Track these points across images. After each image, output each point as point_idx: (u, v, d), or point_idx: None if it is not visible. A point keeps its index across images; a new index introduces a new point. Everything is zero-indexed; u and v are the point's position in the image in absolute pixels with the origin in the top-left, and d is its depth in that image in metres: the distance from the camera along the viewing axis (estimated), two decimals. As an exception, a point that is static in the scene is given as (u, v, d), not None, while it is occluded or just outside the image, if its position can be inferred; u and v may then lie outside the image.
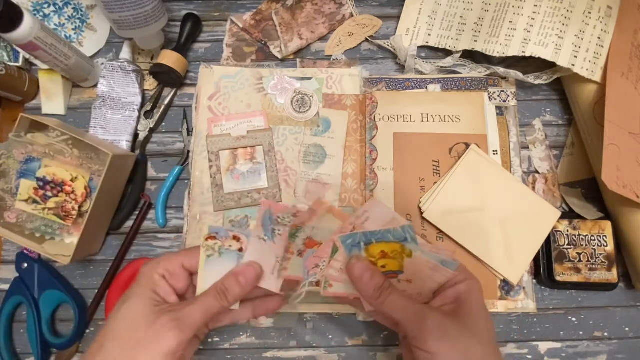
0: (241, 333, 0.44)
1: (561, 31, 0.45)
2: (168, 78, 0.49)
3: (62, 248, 0.43)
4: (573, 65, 0.44)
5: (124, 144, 0.48)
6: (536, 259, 0.44)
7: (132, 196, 0.47)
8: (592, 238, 0.43)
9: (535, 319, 0.44)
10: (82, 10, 0.51)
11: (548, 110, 0.49)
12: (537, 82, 0.47)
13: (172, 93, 0.50)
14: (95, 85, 0.50)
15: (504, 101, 0.48)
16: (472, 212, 0.44)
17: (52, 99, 0.49)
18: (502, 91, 0.48)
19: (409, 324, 0.31)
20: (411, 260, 0.35)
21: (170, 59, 0.47)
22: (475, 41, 0.48)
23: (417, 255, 0.35)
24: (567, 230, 0.44)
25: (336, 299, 0.38)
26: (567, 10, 0.45)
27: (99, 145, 0.42)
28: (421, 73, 0.49)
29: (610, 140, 0.40)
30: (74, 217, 0.43)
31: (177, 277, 0.33)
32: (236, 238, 0.34)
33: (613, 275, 0.43)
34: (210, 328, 0.34)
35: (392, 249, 0.34)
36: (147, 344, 0.29)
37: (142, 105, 0.49)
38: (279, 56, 0.50)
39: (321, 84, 0.48)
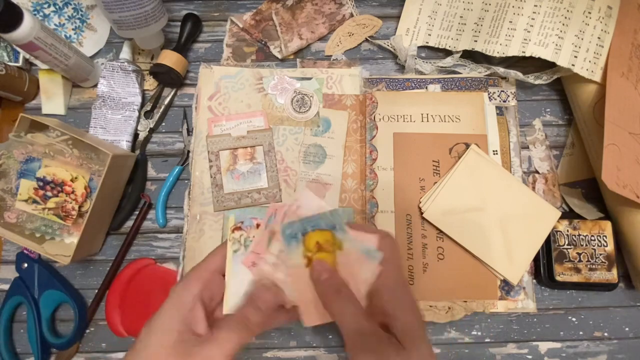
0: (241, 333, 0.44)
1: (561, 31, 0.45)
2: (168, 78, 0.49)
3: (62, 248, 0.43)
4: (573, 65, 0.44)
5: (124, 144, 0.48)
6: (536, 259, 0.44)
7: (132, 196, 0.47)
8: (592, 238, 0.43)
9: (535, 319, 0.44)
10: (82, 10, 0.51)
11: (548, 110, 0.49)
12: (537, 82, 0.47)
13: (172, 93, 0.50)
14: (95, 85, 0.50)
15: (504, 101, 0.48)
16: (472, 212, 0.44)
17: (52, 99, 0.49)
18: (502, 91, 0.48)
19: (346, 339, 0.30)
20: (342, 253, 0.34)
21: (170, 59, 0.47)
22: (475, 41, 0.48)
23: (346, 248, 0.34)
24: (567, 230, 0.44)
25: None
26: (567, 10, 0.45)
27: (99, 145, 0.42)
28: (421, 73, 0.49)
29: (610, 140, 0.40)
30: (74, 217, 0.43)
31: (213, 284, 0.32)
32: (258, 226, 0.33)
33: (613, 275, 0.43)
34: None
35: (325, 238, 0.33)
36: None
37: (142, 105, 0.49)
38: (279, 56, 0.50)
39: (321, 84, 0.48)
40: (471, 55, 0.49)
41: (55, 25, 0.50)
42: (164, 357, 0.29)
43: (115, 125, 0.48)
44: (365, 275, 0.33)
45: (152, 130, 0.49)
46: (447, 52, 0.50)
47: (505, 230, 0.43)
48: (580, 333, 0.44)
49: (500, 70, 0.47)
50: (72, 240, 0.44)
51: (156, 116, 0.49)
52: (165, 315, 0.30)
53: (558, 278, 0.42)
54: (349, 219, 0.44)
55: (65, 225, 0.43)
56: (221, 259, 0.32)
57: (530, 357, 0.44)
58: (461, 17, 0.49)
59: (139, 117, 0.49)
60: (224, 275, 0.32)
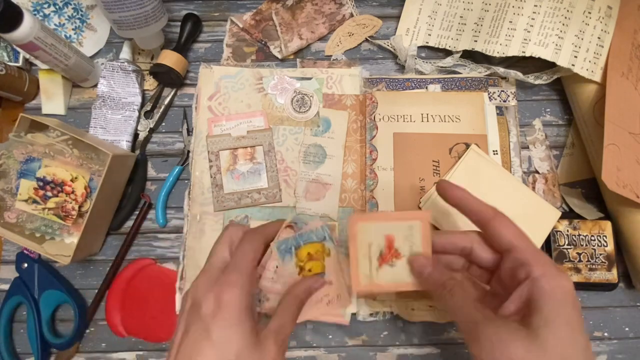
0: (241, 333, 0.44)
1: (561, 31, 0.45)
2: (168, 78, 0.49)
3: (62, 248, 0.43)
4: (573, 65, 0.44)
5: (124, 144, 0.48)
6: (536, 259, 0.44)
7: (132, 196, 0.47)
8: (592, 238, 0.43)
9: (535, 319, 0.44)
10: (82, 10, 0.51)
11: (548, 110, 0.49)
12: (537, 82, 0.47)
13: (172, 93, 0.50)
14: (95, 85, 0.50)
15: (504, 101, 0.48)
16: (472, 212, 0.44)
17: (52, 99, 0.49)
18: (502, 91, 0.48)
19: None
20: (330, 260, 0.39)
21: (170, 59, 0.47)
22: (475, 41, 0.48)
23: (333, 254, 0.39)
24: (567, 230, 0.44)
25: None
26: (567, 10, 0.45)
27: (99, 145, 0.42)
28: (421, 73, 0.49)
29: (610, 140, 0.40)
30: (74, 217, 0.43)
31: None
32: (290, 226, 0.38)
33: (613, 275, 0.43)
34: None
35: (316, 249, 0.38)
36: None
37: (142, 105, 0.49)
38: (279, 56, 0.50)
39: (321, 84, 0.48)
40: (471, 55, 0.49)
41: (55, 25, 0.50)
42: (250, 331, 0.29)
43: (115, 125, 0.48)
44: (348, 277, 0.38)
45: (152, 130, 0.49)
46: (447, 52, 0.50)
47: (505, 230, 0.43)
48: (580, 333, 0.44)
49: (500, 70, 0.47)
50: (72, 240, 0.44)
51: (156, 116, 0.49)
52: (239, 284, 0.30)
53: (558, 278, 0.42)
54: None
55: (65, 225, 0.43)
56: (272, 232, 0.35)
57: (530, 357, 0.44)
58: (461, 17, 0.49)
59: (139, 117, 0.49)
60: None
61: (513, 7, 0.46)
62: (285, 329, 0.32)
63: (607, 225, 0.43)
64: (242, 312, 0.29)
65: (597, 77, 0.44)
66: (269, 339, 0.30)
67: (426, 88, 0.48)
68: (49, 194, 0.43)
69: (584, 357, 0.25)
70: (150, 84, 0.50)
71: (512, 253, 0.29)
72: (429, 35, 0.51)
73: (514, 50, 0.45)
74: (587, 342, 0.26)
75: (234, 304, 0.29)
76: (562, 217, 0.44)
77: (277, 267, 0.39)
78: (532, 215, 0.44)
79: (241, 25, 0.51)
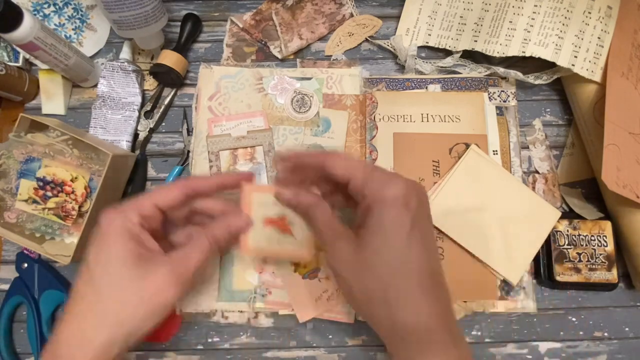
0: (241, 333, 0.44)
1: (561, 31, 0.45)
2: (168, 78, 0.49)
3: (62, 248, 0.43)
4: (573, 65, 0.44)
5: (124, 144, 0.48)
6: (536, 259, 0.44)
7: (132, 196, 0.47)
8: (592, 238, 0.43)
9: (535, 319, 0.44)
10: (82, 10, 0.51)
11: (548, 110, 0.49)
12: (537, 82, 0.47)
13: (172, 93, 0.50)
14: (95, 85, 0.50)
15: (504, 101, 0.48)
16: (472, 212, 0.44)
17: (52, 99, 0.49)
18: (502, 91, 0.48)
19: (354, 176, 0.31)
20: (323, 254, 0.38)
21: (170, 59, 0.47)
22: (475, 41, 0.48)
23: None
24: (567, 230, 0.44)
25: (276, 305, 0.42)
26: (567, 10, 0.45)
27: (99, 145, 0.42)
28: (421, 73, 0.49)
29: (610, 140, 0.40)
30: (74, 217, 0.43)
31: (152, 219, 0.33)
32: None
33: (613, 275, 0.43)
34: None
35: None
36: (147, 299, 0.30)
37: (142, 105, 0.49)
38: (279, 56, 0.50)
39: (321, 84, 0.48)
40: (471, 55, 0.49)
41: (55, 25, 0.50)
42: (138, 266, 0.30)
43: (115, 125, 0.48)
44: None
45: (152, 130, 0.49)
46: (447, 52, 0.50)
47: (505, 230, 0.43)
48: (580, 333, 0.44)
49: (500, 70, 0.47)
50: (72, 240, 0.44)
51: (156, 116, 0.49)
52: (115, 238, 0.30)
53: (558, 278, 0.42)
54: (348, 219, 0.44)
55: (65, 225, 0.43)
56: (167, 196, 0.33)
57: (530, 357, 0.44)
58: (461, 17, 0.49)
59: (139, 117, 0.49)
60: (163, 213, 0.34)
61: (513, 7, 0.46)
62: (189, 262, 0.32)
63: (607, 225, 0.43)
64: (120, 234, 0.30)
65: (597, 77, 0.44)
66: (162, 265, 0.31)
67: (426, 88, 0.48)
68: (49, 194, 0.43)
69: (402, 254, 0.28)
70: (150, 84, 0.50)
71: (350, 184, 0.31)
72: (429, 35, 0.51)
73: (514, 50, 0.45)
74: (411, 239, 0.28)
75: (111, 226, 0.31)
76: (562, 217, 0.44)
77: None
78: (532, 215, 0.44)
79: (241, 25, 0.51)
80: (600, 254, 0.43)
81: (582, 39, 0.44)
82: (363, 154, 0.46)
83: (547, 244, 0.43)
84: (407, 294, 0.27)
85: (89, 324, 0.29)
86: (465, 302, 0.43)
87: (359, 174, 0.30)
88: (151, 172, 0.48)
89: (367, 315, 0.31)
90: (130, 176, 0.47)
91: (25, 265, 0.45)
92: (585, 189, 0.47)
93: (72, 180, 0.43)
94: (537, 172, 0.47)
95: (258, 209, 0.37)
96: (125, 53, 0.50)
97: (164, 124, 0.50)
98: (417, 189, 0.30)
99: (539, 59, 0.45)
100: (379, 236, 0.28)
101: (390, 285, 0.28)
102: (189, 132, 0.49)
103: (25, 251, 0.45)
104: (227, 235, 0.35)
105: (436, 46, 0.50)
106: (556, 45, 0.45)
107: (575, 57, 0.44)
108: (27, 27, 0.39)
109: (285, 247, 0.37)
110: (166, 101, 0.50)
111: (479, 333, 0.44)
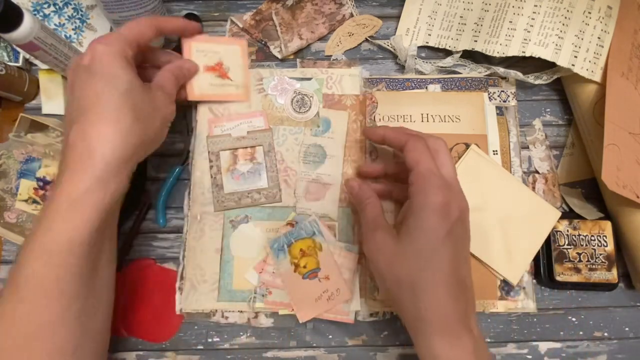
0: (241, 333, 0.44)
1: (561, 31, 0.45)
2: (168, 78, 0.49)
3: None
4: (573, 65, 0.44)
5: (124, 144, 0.48)
6: (536, 259, 0.44)
7: (132, 196, 0.47)
8: (592, 238, 0.43)
9: (535, 319, 0.44)
10: (82, 10, 0.51)
11: (548, 110, 0.49)
12: (537, 82, 0.47)
13: (172, 93, 0.50)
14: (95, 85, 0.49)
15: (504, 101, 0.48)
16: (472, 212, 0.43)
17: (52, 99, 0.49)
18: (502, 91, 0.48)
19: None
20: (323, 254, 0.42)
21: (170, 59, 0.47)
22: (475, 41, 0.48)
23: (325, 247, 0.42)
24: (567, 230, 0.44)
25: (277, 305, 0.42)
26: (567, 10, 0.45)
27: (99, 145, 0.42)
28: (421, 73, 0.49)
29: (610, 140, 0.40)
30: (74, 217, 0.43)
31: (135, 56, 0.35)
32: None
33: (613, 275, 0.43)
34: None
35: (307, 245, 0.42)
36: (160, 116, 0.35)
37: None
38: (279, 56, 0.50)
39: (321, 84, 0.48)
40: (471, 55, 0.49)
41: (55, 25, 0.50)
42: (138, 95, 0.33)
43: (115, 125, 0.48)
44: (349, 265, 0.42)
45: (152, 130, 0.49)
46: (447, 52, 0.50)
47: (505, 230, 0.43)
48: (580, 333, 0.44)
49: (500, 70, 0.47)
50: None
51: (156, 116, 0.49)
52: (114, 66, 0.32)
53: (558, 278, 0.43)
54: (348, 220, 0.44)
55: (65, 225, 0.43)
56: (168, 24, 0.38)
57: (530, 357, 0.44)
58: (461, 17, 0.49)
59: (139, 117, 0.49)
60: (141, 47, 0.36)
61: (513, 7, 0.46)
62: (170, 88, 0.37)
63: (607, 225, 0.43)
64: (121, 58, 0.32)
65: (597, 77, 0.44)
66: (156, 89, 0.35)
67: (426, 88, 0.48)
68: (49, 194, 0.43)
69: (433, 254, 0.31)
70: (150, 84, 0.50)
71: (411, 172, 0.34)
72: (429, 35, 0.51)
73: (514, 50, 0.46)
74: (444, 244, 0.31)
75: (110, 51, 0.32)
76: (562, 217, 0.44)
77: (275, 264, 0.42)
78: (532, 215, 0.44)
79: (241, 25, 0.51)
80: (600, 254, 0.43)
81: (582, 39, 0.44)
82: (363, 154, 0.46)
83: (547, 244, 0.44)
84: (433, 289, 0.30)
85: (103, 131, 0.30)
86: (465, 302, 0.43)
87: (422, 168, 0.33)
88: (151, 172, 0.48)
89: (394, 300, 0.34)
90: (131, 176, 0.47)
91: (25, 265, 0.45)
92: (585, 189, 0.47)
93: (72, 180, 0.43)
94: (537, 172, 0.47)
95: (197, 57, 0.42)
96: (125, 53, 0.50)
97: (164, 124, 0.50)
98: (459, 201, 0.33)
99: (539, 59, 0.45)
100: (415, 235, 0.31)
101: (419, 277, 0.31)
102: (189, 132, 0.49)
103: (25, 251, 0.45)
104: (180, 74, 0.40)
105: (436, 46, 0.50)
106: (556, 45, 0.45)
107: (575, 57, 0.44)
108: (27, 27, 0.39)
109: (226, 89, 0.44)
110: (166, 101, 0.49)
111: (479, 333, 0.44)
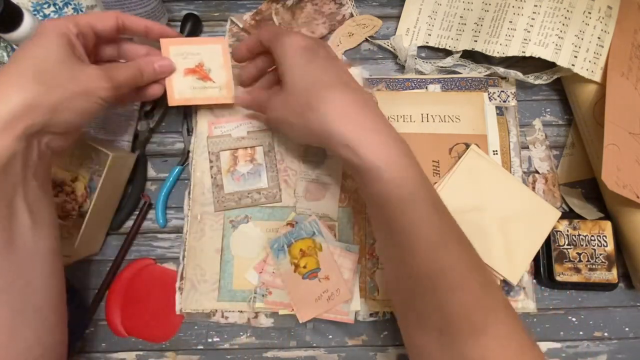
0: (241, 333, 0.44)
1: (561, 31, 0.45)
2: (168, 78, 0.49)
3: (62, 248, 0.43)
4: (573, 65, 0.44)
5: (124, 144, 0.48)
6: (536, 259, 0.44)
7: (132, 196, 0.47)
8: (592, 238, 0.43)
9: (535, 319, 0.44)
10: (82, 11, 0.51)
11: (548, 110, 0.49)
12: (537, 82, 0.47)
13: (172, 93, 0.50)
14: (95, 85, 0.49)
15: (504, 101, 0.48)
16: (472, 212, 0.44)
17: (52, 99, 0.49)
18: (502, 91, 0.48)
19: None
20: (323, 254, 0.42)
21: (170, 59, 0.47)
22: (475, 41, 0.48)
23: (325, 247, 0.42)
24: (567, 230, 0.44)
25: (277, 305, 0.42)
26: (567, 10, 0.45)
27: (99, 145, 0.42)
28: (421, 73, 0.49)
29: (610, 140, 0.40)
30: (74, 217, 0.43)
31: (86, 37, 0.35)
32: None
33: (613, 275, 0.43)
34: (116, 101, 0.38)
35: (307, 245, 0.42)
36: (76, 87, 0.32)
37: (142, 105, 0.49)
38: (279, 56, 0.50)
39: (321, 84, 0.48)
40: (471, 55, 0.49)
41: (55, 25, 0.50)
42: (72, 62, 0.33)
43: (115, 125, 0.48)
44: (348, 265, 0.42)
45: (152, 130, 0.49)
46: (447, 52, 0.50)
47: (505, 231, 0.43)
48: (580, 333, 0.44)
49: (500, 70, 0.47)
50: (72, 240, 0.44)
51: (156, 116, 0.49)
52: (51, 37, 0.32)
53: (558, 278, 0.43)
54: (348, 220, 0.44)
55: (65, 225, 0.43)
56: (105, 21, 0.36)
57: (530, 357, 0.44)
58: (461, 17, 0.49)
59: (139, 117, 0.49)
60: (97, 37, 0.37)
61: (513, 7, 0.46)
62: (118, 71, 0.36)
63: (607, 225, 0.43)
64: (55, 31, 0.32)
65: (597, 77, 0.44)
66: (95, 68, 0.34)
67: (426, 88, 0.48)
68: None
69: (307, 73, 0.34)
70: (150, 84, 0.50)
71: (275, 48, 0.36)
72: (429, 35, 0.51)
73: (514, 50, 0.46)
74: (311, 63, 0.34)
75: (49, 25, 0.33)
76: (562, 217, 0.44)
77: (275, 263, 0.42)
78: (532, 215, 0.44)
79: (241, 25, 0.51)
80: (600, 254, 0.43)
81: (582, 39, 0.44)
82: (363, 154, 0.46)
83: (547, 244, 0.44)
84: (321, 95, 0.33)
85: (11, 83, 0.30)
86: (465, 302, 0.43)
87: (269, 38, 0.37)
88: (151, 172, 0.48)
89: (307, 134, 0.35)
90: (130, 176, 0.47)
91: (25, 265, 0.45)
92: (585, 189, 0.47)
93: (72, 181, 0.43)
94: (537, 172, 0.47)
95: (177, 60, 0.41)
96: (125, 53, 0.50)
97: (164, 124, 0.50)
98: (310, 38, 0.36)
99: (539, 59, 0.45)
100: (287, 72, 0.35)
101: (309, 96, 0.33)
102: (189, 132, 0.49)
103: (25, 251, 0.45)
104: (151, 70, 0.39)
105: (436, 46, 0.50)
106: (556, 45, 0.45)
107: (575, 57, 0.44)
108: (27, 27, 0.39)
109: (208, 92, 0.43)
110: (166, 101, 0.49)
111: (479, 333, 0.44)
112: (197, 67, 0.42)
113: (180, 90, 0.42)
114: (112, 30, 0.37)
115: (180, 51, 0.41)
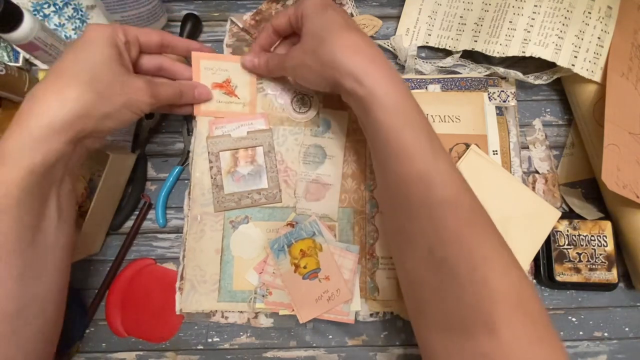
0: (241, 333, 0.44)
1: (561, 31, 0.45)
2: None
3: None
4: (573, 65, 0.44)
5: (124, 144, 0.48)
6: (536, 259, 0.44)
7: (132, 196, 0.47)
8: (592, 238, 0.43)
9: (535, 319, 0.44)
10: (82, 11, 0.51)
11: (548, 110, 0.49)
12: (537, 82, 0.47)
13: (172, 93, 0.50)
14: (95, 86, 0.49)
15: (504, 101, 0.48)
16: (472, 212, 0.44)
17: (52, 99, 0.49)
18: (502, 91, 0.48)
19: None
20: (323, 254, 0.42)
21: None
22: (475, 41, 0.48)
23: (325, 247, 0.42)
24: (567, 230, 0.44)
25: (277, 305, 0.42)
26: (567, 10, 0.45)
27: (99, 145, 0.42)
28: (421, 73, 0.49)
29: (610, 140, 0.40)
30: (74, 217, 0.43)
31: (131, 48, 0.37)
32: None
33: (613, 275, 0.43)
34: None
35: (308, 245, 0.42)
36: (125, 99, 0.34)
37: (142, 105, 0.49)
38: (279, 56, 0.50)
39: (321, 84, 0.48)
40: (471, 55, 0.49)
41: (55, 25, 0.50)
42: (120, 72, 0.34)
43: (115, 125, 0.48)
44: (348, 265, 0.42)
45: (152, 130, 0.49)
46: (447, 52, 0.50)
47: (505, 231, 0.43)
48: (580, 333, 0.44)
49: (500, 70, 0.47)
50: (72, 240, 0.44)
51: (156, 116, 0.49)
52: (100, 43, 0.34)
53: (558, 278, 0.43)
54: (348, 221, 0.44)
55: (65, 225, 0.43)
56: (151, 36, 0.38)
57: (530, 357, 0.44)
58: (461, 17, 0.49)
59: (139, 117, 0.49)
60: (140, 51, 0.38)
61: (513, 7, 0.46)
62: (160, 88, 0.38)
63: (607, 225, 0.43)
64: (104, 38, 0.34)
65: (597, 77, 0.44)
66: (140, 78, 0.36)
67: (426, 88, 0.48)
68: None
69: (322, 20, 0.36)
70: (150, 84, 0.50)
71: (300, 17, 0.38)
72: (429, 35, 0.51)
73: (514, 51, 0.46)
74: (326, 13, 0.36)
75: (98, 30, 0.34)
76: (562, 217, 0.44)
77: (275, 264, 0.42)
78: (532, 215, 0.44)
79: (241, 25, 0.51)
80: (600, 254, 0.43)
81: (582, 39, 0.44)
82: (363, 154, 0.46)
83: (547, 244, 0.44)
84: (333, 31, 0.35)
85: (48, 95, 0.31)
86: (465, 302, 0.43)
87: (296, 7, 0.38)
88: (151, 172, 0.48)
89: (319, 71, 0.36)
90: (130, 176, 0.47)
91: (26, 265, 0.45)
92: (585, 189, 0.47)
93: (72, 181, 0.43)
94: (537, 172, 0.47)
95: (206, 74, 0.43)
96: (125, 53, 0.50)
97: (164, 124, 0.50)
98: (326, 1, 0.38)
99: (539, 59, 0.45)
100: (306, 22, 0.37)
101: (323, 33, 0.35)
102: (189, 132, 0.49)
103: (25, 251, 0.45)
104: (191, 95, 0.42)
105: (436, 46, 0.50)
106: (556, 45, 0.45)
107: (575, 57, 0.44)
108: (27, 28, 0.39)
109: (232, 107, 0.45)
110: (166, 101, 0.50)
111: (479, 333, 0.44)
112: (225, 83, 0.44)
113: (207, 103, 0.44)
114: (154, 45, 0.39)
115: (209, 65, 0.43)
